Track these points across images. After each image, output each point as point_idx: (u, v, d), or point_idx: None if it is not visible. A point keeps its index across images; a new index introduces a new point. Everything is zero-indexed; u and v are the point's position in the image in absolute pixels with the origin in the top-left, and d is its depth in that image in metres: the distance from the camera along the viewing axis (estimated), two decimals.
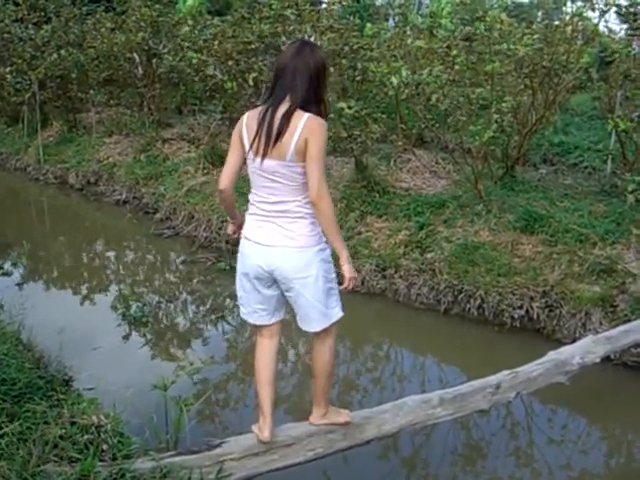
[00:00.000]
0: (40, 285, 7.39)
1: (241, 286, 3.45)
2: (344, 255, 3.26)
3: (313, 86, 3.17)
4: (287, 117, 3.09)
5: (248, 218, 3.37)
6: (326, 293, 3.30)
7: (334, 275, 3.37)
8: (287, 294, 3.35)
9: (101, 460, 3.26)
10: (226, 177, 3.34)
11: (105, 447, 3.37)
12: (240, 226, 3.52)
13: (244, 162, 3.32)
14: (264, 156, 3.14)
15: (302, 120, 3.08)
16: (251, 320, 3.48)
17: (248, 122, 3.25)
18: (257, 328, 3.52)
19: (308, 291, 3.24)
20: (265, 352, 3.50)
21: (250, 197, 3.34)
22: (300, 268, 3.21)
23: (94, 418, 3.54)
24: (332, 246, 3.28)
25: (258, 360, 3.50)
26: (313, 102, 3.17)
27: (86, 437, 3.40)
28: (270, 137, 3.10)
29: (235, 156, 3.32)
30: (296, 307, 3.36)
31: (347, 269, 3.25)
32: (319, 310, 3.30)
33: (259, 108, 3.23)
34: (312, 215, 3.21)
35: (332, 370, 3.56)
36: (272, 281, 3.33)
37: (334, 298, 3.37)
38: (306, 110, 3.11)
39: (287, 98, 3.13)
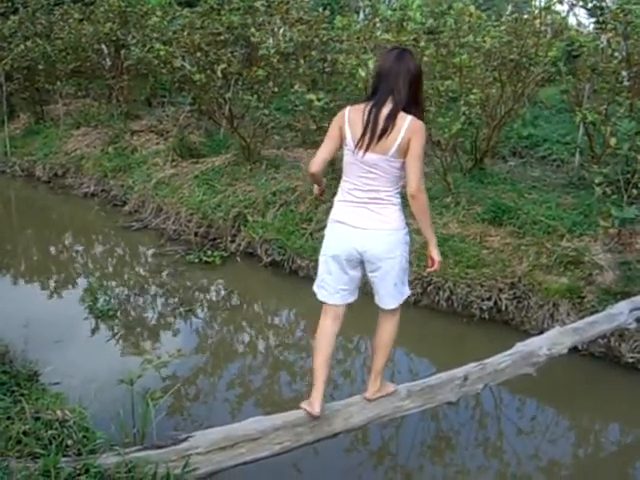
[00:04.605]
0: (6, 278, 7.30)
1: (326, 269, 3.68)
2: (434, 242, 3.66)
3: (413, 90, 3.46)
4: (392, 117, 3.37)
5: (339, 204, 3.63)
6: (404, 272, 3.67)
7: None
8: (372, 274, 3.62)
9: (65, 455, 3.22)
10: (317, 163, 3.60)
11: (69, 442, 3.34)
12: (324, 190, 3.94)
13: (337, 151, 3.62)
14: (367, 150, 3.41)
15: (406, 121, 3.37)
16: (331, 301, 3.70)
17: (350, 116, 3.50)
18: (324, 309, 3.73)
19: (394, 270, 3.58)
20: (326, 333, 3.71)
21: (342, 185, 3.62)
22: (390, 249, 3.52)
23: (58, 413, 3.51)
24: (423, 233, 3.66)
25: (319, 340, 3.71)
26: (413, 105, 3.46)
27: (50, 432, 3.36)
28: (375, 133, 3.38)
29: (331, 145, 3.58)
30: (380, 286, 3.65)
31: (436, 253, 3.65)
32: (398, 288, 3.66)
33: (361, 105, 3.49)
34: (399, 203, 3.56)
35: (393, 344, 3.82)
36: (359, 262, 3.60)
37: (407, 278, 3.73)
38: (407, 112, 3.40)
39: (390, 99, 3.41)
